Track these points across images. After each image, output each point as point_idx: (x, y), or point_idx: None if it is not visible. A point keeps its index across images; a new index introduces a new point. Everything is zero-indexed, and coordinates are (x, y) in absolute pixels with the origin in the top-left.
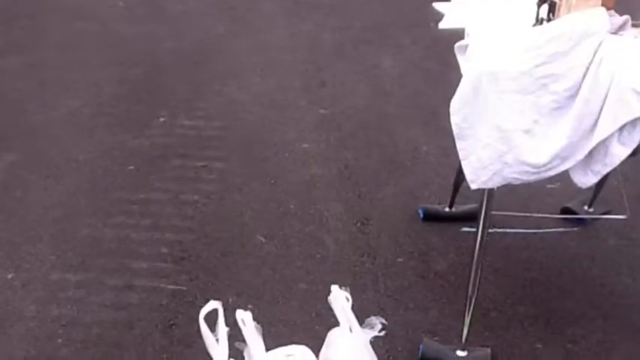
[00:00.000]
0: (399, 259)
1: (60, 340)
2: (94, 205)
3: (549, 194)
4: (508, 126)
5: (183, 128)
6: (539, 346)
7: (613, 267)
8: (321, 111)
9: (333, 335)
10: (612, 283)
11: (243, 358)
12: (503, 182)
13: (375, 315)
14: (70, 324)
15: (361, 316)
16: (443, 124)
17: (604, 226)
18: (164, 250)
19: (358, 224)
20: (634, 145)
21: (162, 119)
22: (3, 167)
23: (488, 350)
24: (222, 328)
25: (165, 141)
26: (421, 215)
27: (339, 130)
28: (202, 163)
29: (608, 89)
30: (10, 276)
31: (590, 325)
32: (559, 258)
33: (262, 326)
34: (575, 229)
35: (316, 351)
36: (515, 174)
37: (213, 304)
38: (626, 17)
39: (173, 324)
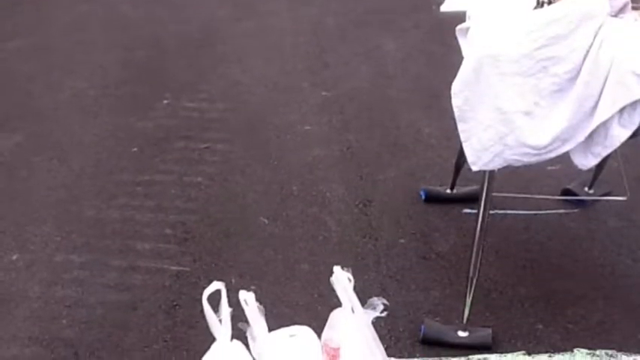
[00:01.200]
0: (401, 241)
1: (64, 321)
2: (98, 187)
3: (550, 176)
4: (509, 108)
5: (186, 110)
6: (539, 326)
7: (613, 248)
8: (324, 93)
9: (335, 316)
10: (612, 263)
11: (246, 338)
12: (504, 164)
13: (377, 296)
14: (74, 305)
15: (363, 296)
16: (444, 107)
17: (604, 207)
18: (168, 231)
19: (360, 206)
20: (634, 127)
21: (165, 101)
22: (9, 148)
23: (489, 330)
24: (225, 309)
25: (168, 123)
26: (423, 197)
27: (342, 113)
28: (205, 145)
29: (608, 72)
30: (14, 257)
31: (591, 305)
32: (559, 239)
33: (265, 307)
34: (575, 210)
35: (319, 331)
36: (515, 156)
37: (216, 285)
38: (626, 0)
39: (176, 305)
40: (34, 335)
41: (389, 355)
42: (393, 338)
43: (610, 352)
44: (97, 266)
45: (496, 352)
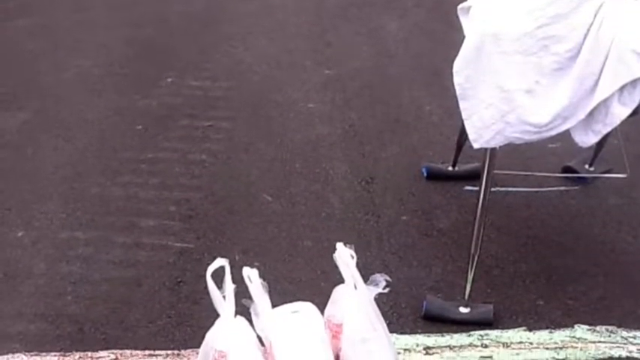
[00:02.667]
0: (403, 217)
1: (69, 297)
2: (103, 164)
3: (551, 153)
4: (510, 86)
5: (190, 89)
6: (540, 302)
7: (613, 225)
8: (327, 71)
9: (338, 292)
10: (613, 240)
11: (249, 314)
12: (506, 142)
13: (379, 272)
14: (79, 281)
15: (366, 273)
16: (446, 85)
17: (604, 184)
18: (172, 208)
19: (363, 183)
20: (634, 105)
21: (169, 80)
22: (15, 126)
23: (491, 306)
24: (229, 285)
25: (172, 101)
26: (425, 174)
27: (344, 91)
28: (209, 123)
29: (609, 50)
30: (20, 234)
31: (591, 281)
32: (560, 216)
33: (268, 283)
34: (576, 187)
35: (321, 307)
36: (517, 133)
37: (220, 262)
38: None
39: (180, 281)
40: (39, 311)
41: (391, 331)
42: (395, 314)
43: (610, 327)
44: (102, 243)
45: (497, 328)
